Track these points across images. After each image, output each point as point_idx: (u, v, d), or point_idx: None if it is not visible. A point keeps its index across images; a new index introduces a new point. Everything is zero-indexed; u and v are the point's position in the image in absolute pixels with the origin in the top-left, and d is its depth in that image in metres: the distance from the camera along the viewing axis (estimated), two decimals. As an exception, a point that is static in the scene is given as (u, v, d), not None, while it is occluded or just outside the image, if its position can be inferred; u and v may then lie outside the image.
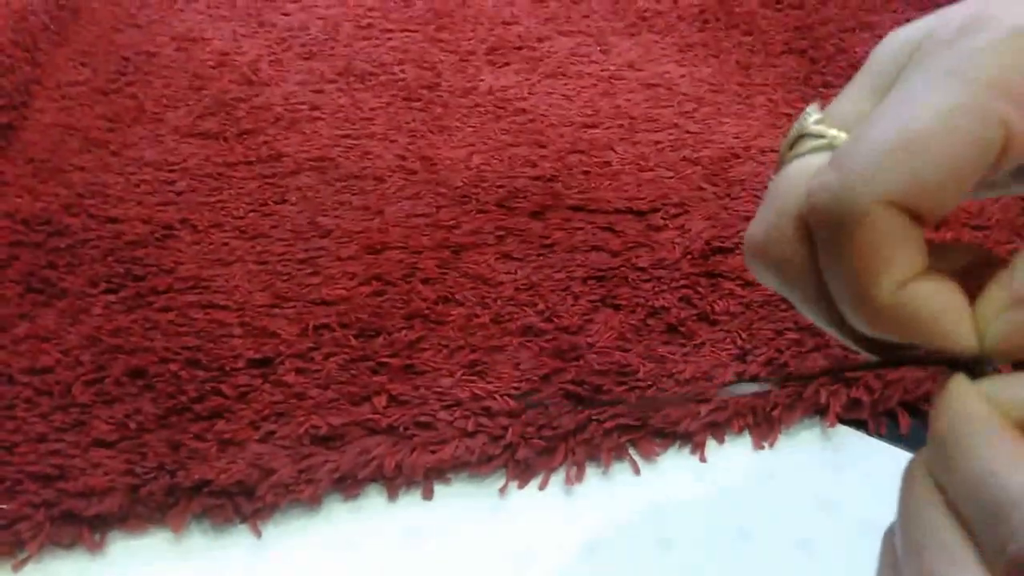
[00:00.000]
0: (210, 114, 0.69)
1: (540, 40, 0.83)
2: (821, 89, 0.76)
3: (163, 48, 0.79)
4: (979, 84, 0.15)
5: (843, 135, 0.18)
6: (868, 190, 0.15)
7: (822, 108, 0.19)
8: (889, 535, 0.19)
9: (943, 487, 0.16)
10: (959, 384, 0.16)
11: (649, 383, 0.47)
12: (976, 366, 0.17)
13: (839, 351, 0.48)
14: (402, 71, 0.77)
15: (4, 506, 0.40)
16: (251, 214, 0.59)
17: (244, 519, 0.41)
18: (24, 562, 0.40)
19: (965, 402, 0.16)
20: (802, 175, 0.18)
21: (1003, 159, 0.15)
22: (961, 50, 0.15)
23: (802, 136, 0.19)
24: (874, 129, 0.16)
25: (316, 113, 0.70)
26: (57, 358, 0.47)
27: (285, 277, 0.53)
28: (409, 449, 0.43)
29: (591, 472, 0.44)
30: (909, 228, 0.16)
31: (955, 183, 0.15)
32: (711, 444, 0.46)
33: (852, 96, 0.19)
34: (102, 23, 0.83)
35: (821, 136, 0.18)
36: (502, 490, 0.43)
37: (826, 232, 0.16)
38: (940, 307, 0.16)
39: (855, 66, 0.79)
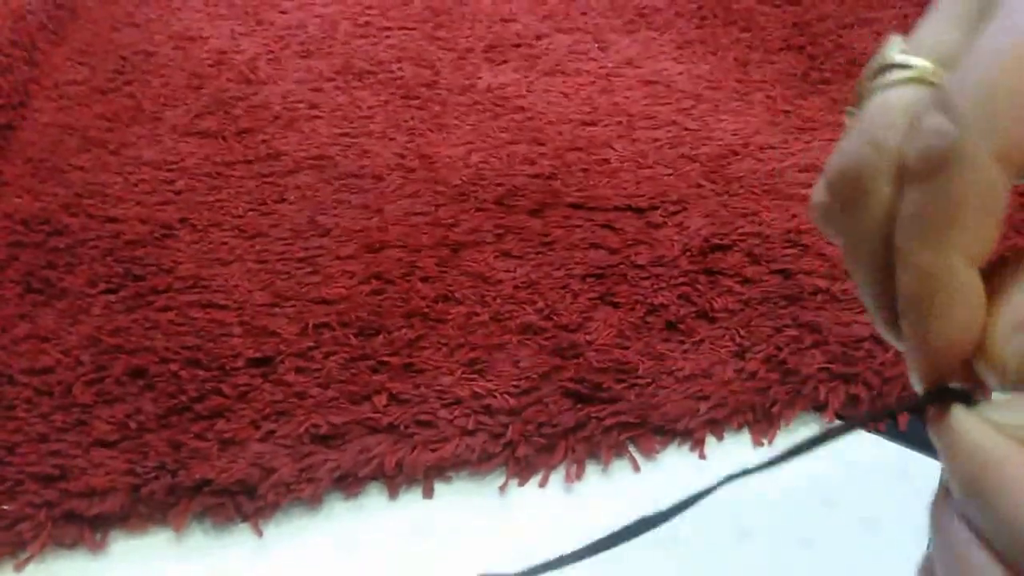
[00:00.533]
0: (208, 113, 0.69)
1: (538, 38, 0.83)
2: (819, 85, 0.76)
3: (161, 47, 0.79)
4: None
5: (931, 66, 0.17)
6: (982, 139, 0.14)
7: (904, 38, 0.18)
8: (927, 569, 0.19)
9: (977, 528, 0.15)
10: (966, 421, 0.16)
11: (648, 380, 0.47)
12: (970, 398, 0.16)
13: (837, 348, 0.48)
14: (400, 69, 0.77)
15: (6, 507, 0.40)
16: (250, 213, 0.59)
17: (245, 518, 0.42)
18: (26, 562, 0.40)
19: (981, 443, 0.15)
20: (898, 108, 0.16)
21: None
22: None
23: (885, 67, 0.17)
24: (982, 67, 0.15)
25: (314, 112, 0.70)
26: (57, 358, 0.47)
27: (284, 276, 0.53)
28: (410, 447, 0.43)
29: (591, 469, 0.44)
30: (1005, 195, 0.15)
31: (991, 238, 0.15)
32: (711, 441, 0.46)
33: (936, 25, 0.17)
34: (100, 22, 0.83)
35: (907, 66, 0.17)
36: (502, 488, 0.43)
37: (927, 173, 0.15)
38: (970, 299, 0.15)
39: (853, 62, 0.79)
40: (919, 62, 0.17)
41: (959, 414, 0.16)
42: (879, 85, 0.17)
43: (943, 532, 0.17)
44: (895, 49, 0.18)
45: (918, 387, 0.17)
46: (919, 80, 0.17)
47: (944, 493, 0.17)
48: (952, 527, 0.16)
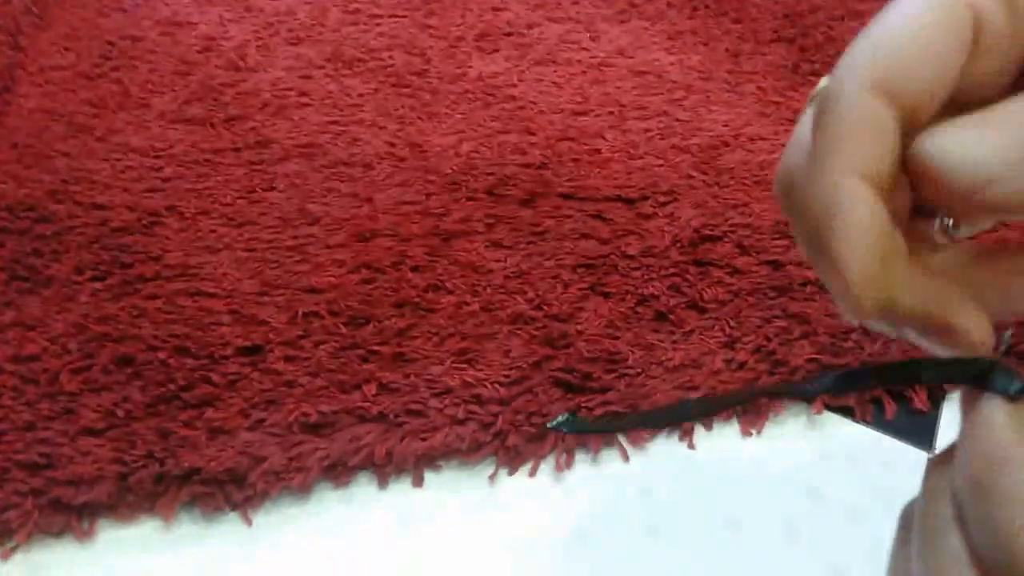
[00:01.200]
0: (196, 100, 0.69)
1: (529, 27, 0.83)
2: (810, 77, 0.76)
3: (148, 32, 0.78)
4: None
5: None
6: (852, 77, 0.16)
7: None
8: (907, 516, 0.19)
9: (964, 516, 0.15)
10: (994, 412, 0.16)
11: (638, 370, 0.47)
12: (988, 374, 0.16)
13: (826, 339, 0.49)
14: (391, 57, 0.76)
15: (-8, 495, 0.40)
16: (239, 201, 0.58)
17: (234, 507, 0.41)
18: (12, 551, 0.40)
19: (999, 440, 0.15)
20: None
21: (979, 49, 0.16)
22: None
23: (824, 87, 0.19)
24: (872, 31, 0.16)
25: (304, 99, 0.70)
26: (44, 346, 0.47)
27: (274, 265, 0.53)
28: (399, 437, 0.43)
29: (580, 459, 0.44)
30: (889, 120, 0.16)
31: (932, 69, 0.16)
32: (699, 431, 0.46)
33: None
34: (86, 7, 0.82)
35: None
36: (492, 477, 0.43)
37: (816, 123, 0.17)
38: (859, 209, 0.16)
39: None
40: None
41: (990, 403, 0.16)
42: (812, 97, 0.19)
43: (931, 506, 0.17)
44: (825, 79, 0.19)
45: (851, 320, 0.18)
46: None
47: (945, 474, 0.17)
48: (938, 507, 0.16)
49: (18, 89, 0.69)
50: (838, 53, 0.84)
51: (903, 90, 0.16)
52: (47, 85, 0.70)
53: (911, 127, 0.16)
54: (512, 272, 0.53)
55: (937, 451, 0.46)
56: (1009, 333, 0.17)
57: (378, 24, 0.82)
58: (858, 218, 0.16)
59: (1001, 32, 0.16)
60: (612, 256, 0.54)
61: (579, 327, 0.49)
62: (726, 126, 0.68)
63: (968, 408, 0.17)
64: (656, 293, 0.51)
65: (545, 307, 0.50)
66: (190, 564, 0.40)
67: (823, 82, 0.19)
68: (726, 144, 0.65)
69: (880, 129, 0.16)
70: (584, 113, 0.69)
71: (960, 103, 0.16)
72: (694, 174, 0.61)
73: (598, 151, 0.64)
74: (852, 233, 0.16)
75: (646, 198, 0.59)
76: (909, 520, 0.18)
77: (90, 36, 0.77)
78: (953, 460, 0.17)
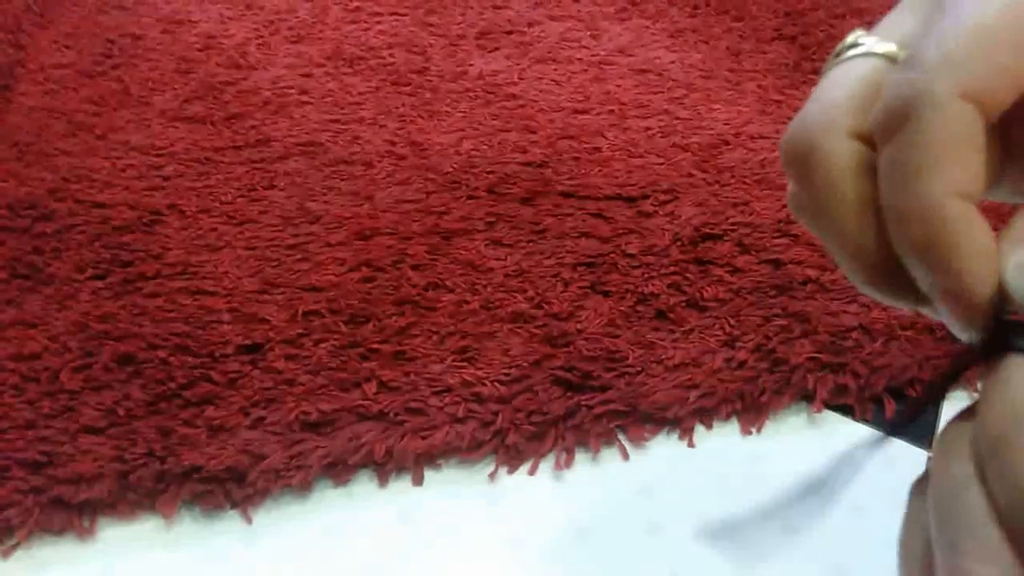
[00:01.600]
0: (197, 98, 0.69)
1: (530, 25, 0.82)
2: (811, 75, 0.76)
3: (149, 30, 0.78)
4: None
5: (891, 45, 0.17)
6: (948, 80, 0.15)
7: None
8: (918, 488, 0.18)
9: (985, 477, 0.15)
10: (1015, 372, 0.15)
11: (638, 369, 0.47)
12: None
13: (825, 338, 0.49)
14: (391, 55, 0.76)
15: (-8, 493, 0.40)
16: (239, 199, 0.58)
17: (235, 505, 0.42)
18: (13, 548, 0.40)
19: (1019, 398, 0.15)
20: (851, 75, 0.17)
21: None
22: None
23: (844, 48, 0.18)
24: (947, 23, 0.15)
25: (304, 97, 0.70)
26: (44, 344, 0.47)
27: (274, 263, 0.53)
28: (399, 435, 0.43)
29: (580, 457, 0.44)
30: (982, 133, 0.15)
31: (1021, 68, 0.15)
32: (699, 430, 0.46)
33: (894, 16, 0.18)
34: (86, 5, 0.82)
35: (860, 44, 0.18)
36: (492, 475, 0.43)
37: (897, 125, 0.15)
38: (975, 233, 0.15)
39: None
40: (876, 41, 0.17)
41: (1010, 363, 0.15)
42: (834, 63, 0.18)
43: (946, 467, 0.16)
44: (855, 34, 0.18)
45: (964, 337, 0.17)
46: (876, 55, 0.17)
47: (966, 433, 0.16)
48: (957, 469, 0.16)
49: (19, 87, 0.69)
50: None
51: (995, 93, 0.15)
52: (48, 83, 0.70)
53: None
54: (512, 270, 0.53)
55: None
56: None
57: (379, 22, 0.82)
58: (971, 235, 0.15)
59: None
60: (612, 255, 0.54)
61: (579, 326, 0.49)
62: (727, 124, 0.68)
63: (990, 367, 0.16)
64: (656, 292, 0.51)
65: (545, 306, 0.50)
66: (191, 562, 0.40)
67: (851, 37, 0.18)
68: (727, 142, 0.65)
69: (978, 143, 0.15)
70: (585, 111, 0.69)
71: None
72: (695, 172, 0.61)
73: (599, 149, 0.64)
74: (965, 249, 0.15)
75: (646, 196, 0.59)
76: (923, 486, 0.18)
77: (91, 34, 0.77)
78: (974, 418, 0.16)
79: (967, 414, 0.17)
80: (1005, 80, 0.14)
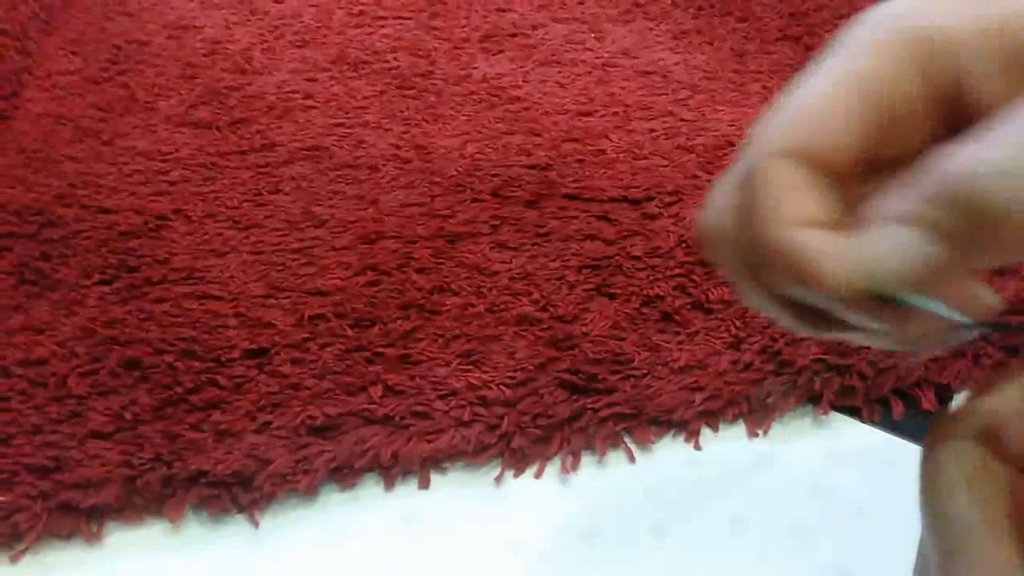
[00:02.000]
0: (202, 103, 0.69)
1: (534, 27, 0.83)
2: (815, 76, 0.76)
3: (154, 36, 0.78)
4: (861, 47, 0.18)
5: None
6: (765, 145, 0.18)
7: None
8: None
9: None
10: (948, 468, 0.17)
11: (644, 371, 0.47)
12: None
13: (831, 339, 0.48)
14: (396, 59, 0.76)
15: (1, 498, 0.40)
16: (245, 204, 0.58)
17: (241, 509, 0.42)
18: (22, 553, 0.40)
19: (958, 503, 0.16)
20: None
21: (893, 115, 0.17)
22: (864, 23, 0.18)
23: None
24: (783, 102, 0.18)
25: (309, 102, 0.70)
26: (52, 350, 0.47)
27: (280, 267, 0.53)
28: (405, 439, 0.43)
29: (586, 460, 0.44)
30: (806, 177, 0.17)
31: (835, 133, 0.17)
32: (705, 432, 0.46)
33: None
34: (93, 11, 0.82)
35: None
36: (498, 479, 0.43)
37: (743, 188, 0.18)
38: (820, 248, 0.17)
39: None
40: None
41: (945, 455, 0.17)
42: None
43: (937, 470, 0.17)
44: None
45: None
46: None
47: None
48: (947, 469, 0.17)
49: (25, 94, 0.70)
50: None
51: (807, 150, 0.17)
52: (54, 90, 0.70)
53: (839, 180, 0.18)
54: (517, 273, 0.53)
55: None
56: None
57: (383, 26, 0.82)
58: (828, 251, 0.17)
59: (914, 100, 0.17)
60: (617, 257, 0.54)
61: (584, 328, 0.49)
62: (731, 126, 0.67)
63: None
64: (662, 294, 0.51)
65: (550, 308, 0.50)
66: (197, 566, 0.40)
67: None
68: (731, 144, 0.65)
69: (793, 185, 0.17)
70: (589, 114, 0.69)
71: (895, 158, 0.18)
72: (699, 174, 0.61)
73: (603, 152, 0.64)
74: (828, 265, 0.17)
75: (651, 198, 0.59)
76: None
77: (96, 40, 0.77)
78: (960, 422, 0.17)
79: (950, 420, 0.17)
80: (824, 137, 0.17)
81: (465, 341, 0.48)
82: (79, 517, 0.41)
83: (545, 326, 0.49)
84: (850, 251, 0.16)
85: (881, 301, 0.16)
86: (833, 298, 0.17)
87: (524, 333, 0.49)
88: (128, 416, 0.43)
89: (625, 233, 0.56)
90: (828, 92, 0.17)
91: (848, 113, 0.17)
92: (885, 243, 0.16)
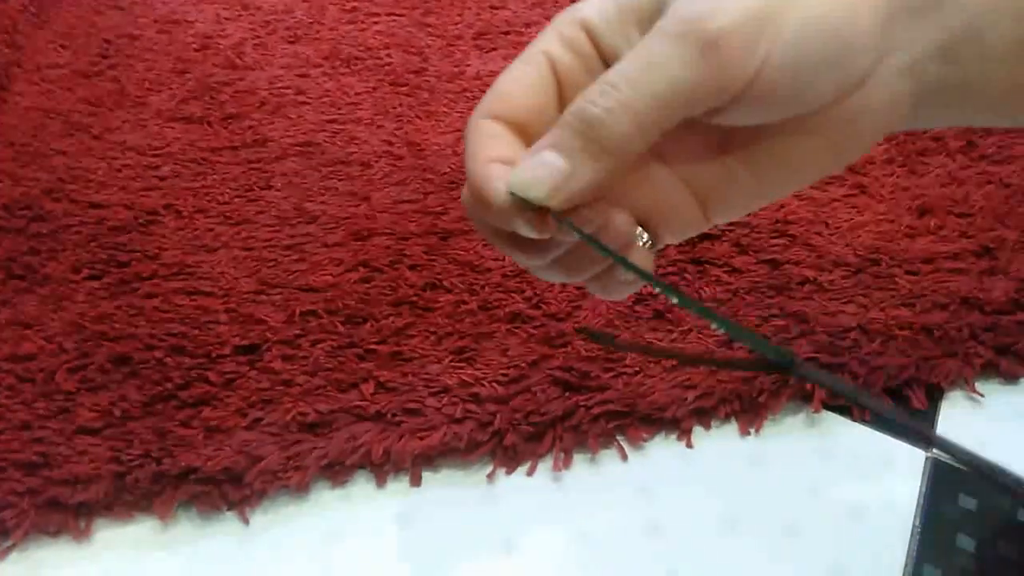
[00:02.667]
0: (194, 98, 0.69)
1: (527, 25, 0.82)
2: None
3: (145, 31, 0.78)
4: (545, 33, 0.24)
5: None
6: (476, 111, 0.23)
7: None
8: None
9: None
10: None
11: (636, 369, 0.47)
12: (788, 369, 0.19)
13: (823, 338, 0.49)
14: (388, 56, 0.76)
15: (-12, 494, 0.40)
16: (236, 199, 0.58)
17: (231, 506, 0.41)
18: (9, 550, 0.39)
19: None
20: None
21: (564, 88, 0.23)
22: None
23: None
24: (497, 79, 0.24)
25: (301, 98, 0.69)
26: (40, 345, 0.46)
27: (271, 263, 0.53)
28: (397, 436, 0.43)
29: (578, 458, 0.44)
30: (499, 130, 0.23)
31: (523, 100, 0.23)
32: (698, 430, 0.46)
33: None
34: (83, 5, 0.82)
35: None
36: (490, 476, 0.43)
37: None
38: (494, 174, 0.22)
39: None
40: None
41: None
42: None
43: None
44: None
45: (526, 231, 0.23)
46: None
47: None
48: None
49: (15, 87, 0.69)
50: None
51: (504, 113, 0.23)
52: (44, 83, 0.70)
53: (528, 136, 0.23)
54: (510, 271, 0.53)
55: (935, 450, 0.46)
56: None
57: (376, 22, 0.81)
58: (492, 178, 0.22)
59: (579, 79, 0.23)
60: (610, 255, 0.54)
61: (577, 326, 0.49)
62: (724, 125, 0.68)
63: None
64: (654, 292, 0.51)
65: (543, 306, 0.50)
66: (187, 563, 0.40)
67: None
68: (724, 143, 0.65)
69: (491, 134, 0.23)
70: (582, 112, 0.69)
71: None
72: (692, 173, 0.61)
73: (596, 150, 0.64)
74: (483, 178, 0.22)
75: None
76: None
77: (87, 34, 0.77)
78: None
79: None
80: (512, 106, 0.23)
81: (457, 338, 0.48)
82: (67, 514, 0.40)
83: (538, 323, 0.49)
84: (509, 173, 0.22)
85: (540, 214, 0.22)
86: (512, 219, 0.22)
87: (517, 330, 0.49)
88: (117, 412, 0.43)
89: (618, 231, 0.56)
90: (516, 68, 0.23)
91: (527, 81, 0.23)
92: (530, 162, 0.21)
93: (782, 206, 0.59)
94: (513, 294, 0.51)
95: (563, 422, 0.45)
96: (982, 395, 0.48)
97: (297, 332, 0.48)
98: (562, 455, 0.44)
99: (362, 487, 0.43)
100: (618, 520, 0.42)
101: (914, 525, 0.42)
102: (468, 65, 0.75)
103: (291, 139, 0.64)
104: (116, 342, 0.47)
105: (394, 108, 0.69)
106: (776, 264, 0.53)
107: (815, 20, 0.21)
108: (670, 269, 0.53)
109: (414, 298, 0.50)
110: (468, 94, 0.71)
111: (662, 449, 0.45)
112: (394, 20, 0.82)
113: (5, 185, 0.58)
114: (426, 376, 0.46)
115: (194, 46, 0.76)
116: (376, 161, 0.62)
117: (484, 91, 0.76)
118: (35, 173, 0.59)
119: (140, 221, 0.56)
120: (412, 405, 0.44)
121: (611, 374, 0.46)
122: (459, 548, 0.40)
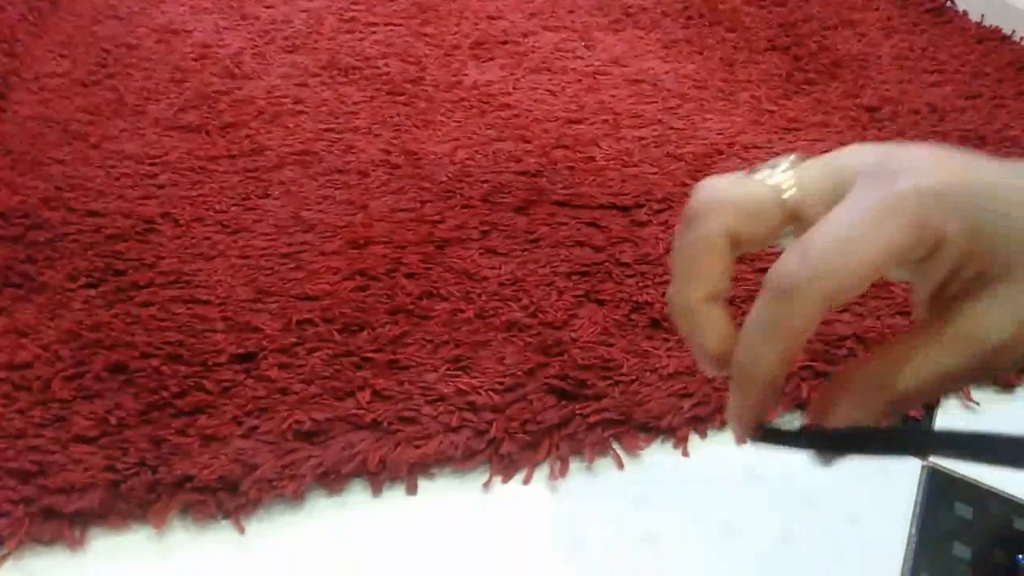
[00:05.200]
0: (192, 107, 0.69)
1: (525, 35, 0.83)
2: (804, 86, 0.77)
3: (144, 40, 0.78)
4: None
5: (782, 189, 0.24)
6: (713, 226, 0.25)
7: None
8: None
9: None
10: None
11: (633, 377, 0.47)
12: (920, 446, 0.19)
13: (819, 346, 0.49)
14: (386, 65, 0.76)
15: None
16: (233, 208, 0.58)
17: (227, 515, 0.41)
18: (3, 559, 0.39)
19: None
20: (751, 191, 0.25)
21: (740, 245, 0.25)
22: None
23: (767, 165, 0.25)
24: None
25: (299, 107, 0.70)
26: (36, 353, 0.46)
27: (268, 272, 0.53)
28: (393, 444, 0.43)
29: (575, 467, 0.44)
30: (721, 257, 0.24)
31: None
32: (694, 439, 0.46)
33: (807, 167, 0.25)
34: (82, 14, 0.82)
35: (768, 171, 0.25)
36: (486, 485, 0.43)
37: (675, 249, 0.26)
38: (709, 321, 0.24)
39: (838, 63, 0.80)
40: (778, 176, 0.25)
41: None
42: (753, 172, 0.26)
43: None
44: (780, 161, 0.25)
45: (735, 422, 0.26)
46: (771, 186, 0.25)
47: None
48: None
49: (13, 96, 0.69)
50: (832, 62, 0.85)
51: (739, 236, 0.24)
52: (42, 92, 0.70)
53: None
54: (506, 279, 0.53)
55: (931, 459, 0.46)
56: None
57: (374, 32, 0.82)
58: (711, 326, 0.25)
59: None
60: (606, 263, 0.54)
61: (573, 334, 0.49)
62: (720, 134, 0.68)
63: None
64: (650, 300, 0.51)
65: (539, 314, 0.50)
66: (182, 572, 0.39)
67: (780, 161, 0.25)
68: (720, 152, 0.66)
69: (716, 268, 0.25)
70: (579, 121, 0.69)
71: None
72: (688, 182, 0.62)
73: (593, 159, 0.64)
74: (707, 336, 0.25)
75: (640, 205, 0.59)
76: None
77: (86, 43, 0.77)
78: None
79: None
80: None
81: (454, 346, 0.48)
82: (62, 522, 0.40)
83: (534, 332, 0.49)
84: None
85: None
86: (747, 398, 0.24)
87: (513, 339, 0.49)
88: (113, 420, 0.43)
89: (614, 240, 0.56)
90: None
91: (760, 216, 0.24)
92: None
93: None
94: (509, 303, 0.51)
95: (559, 430, 0.45)
96: (978, 403, 0.48)
97: (293, 340, 0.48)
98: (558, 463, 0.44)
99: (358, 495, 0.43)
100: (614, 528, 0.42)
101: (910, 533, 0.42)
102: (465, 75, 0.75)
103: (289, 148, 0.65)
104: (112, 350, 0.47)
105: (391, 117, 0.69)
106: (772, 273, 0.53)
107: None
108: (667, 278, 0.53)
109: (410, 306, 0.50)
110: (465, 103, 0.71)
111: (658, 457, 0.45)
112: (392, 30, 0.83)
113: (3, 193, 0.58)
114: (422, 384, 0.46)
115: (192, 56, 0.76)
116: (373, 170, 0.62)
117: (482, 101, 0.76)
118: (33, 181, 0.59)
119: (137, 229, 0.56)
120: (408, 413, 0.44)
121: (607, 382, 0.46)
122: (455, 556, 0.40)
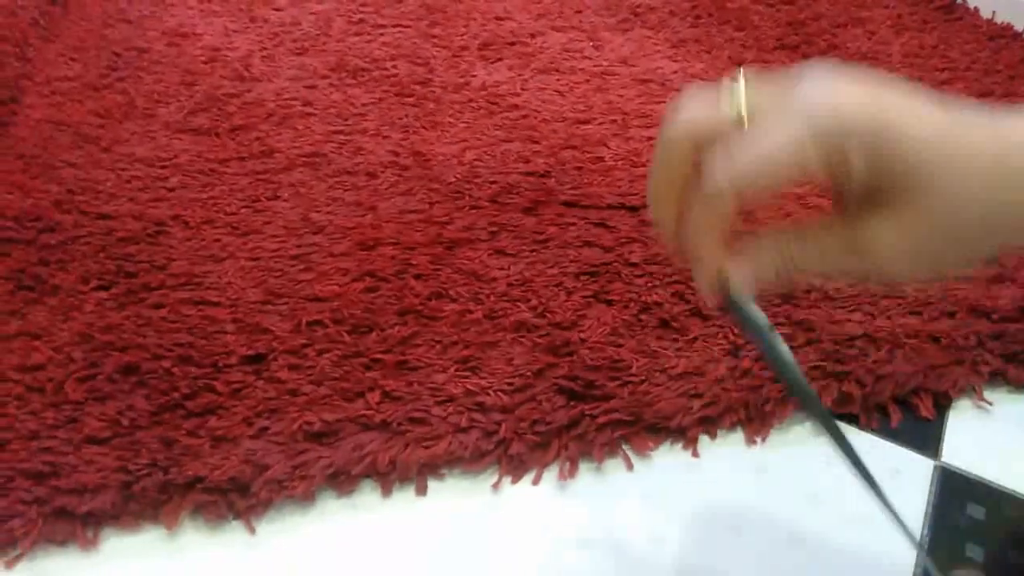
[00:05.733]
0: (202, 110, 0.69)
1: (533, 36, 0.83)
2: (813, 85, 0.76)
3: (154, 43, 0.79)
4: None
5: (742, 111, 0.27)
6: (729, 185, 0.26)
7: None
8: None
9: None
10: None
11: (642, 378, 0.47)
12: None
13: (829, 346, 0.48)
14: (394, 67, 0.76)
15: (-4, 503, 0.40)
16: (243, 210, 0.59)
17: (238, 515, 0.41)
18: (17, 559, 0.40)
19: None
20: (713, 110, 0.28)
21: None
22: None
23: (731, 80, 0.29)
24: (741, 149, 0.27)
25: (308, 109, 0.70)
26: (49, 355, 0.47)
27: (278, 273, 0.53)
28: (403, 445, 0.43)
29: (584, 468, 0.44)
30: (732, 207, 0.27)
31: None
32: (703, 439, 0.46)
33: (772, 91, 0.28)
34: (92, 18, 0.82)
35: (732, 87, 0.28)
36: (495, 485, 0.43)
37: (706, 189, 0.28)
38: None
39: (847, 61, 0.80)
40: (738, 99, 0.28)
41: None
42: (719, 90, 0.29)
43: None
44: (739, 77, 0.29)
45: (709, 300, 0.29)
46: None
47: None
48: None
49: (25, 100, 0.70)
50: (841, 60, 0.85)
51: (750, 194, 0.26)
52: (53, 96, 0.70)
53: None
54: (515, 280, 0.53)
55: (943, 459, 0.46)
56: None
57: (382, 34, 0.82)
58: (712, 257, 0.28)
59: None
60: (615, 264, 0.54)
61: (582, 335, 0.49)
62: (729, 134, 0.68)
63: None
64: (660, 300, 0.51)
65: (548, 315, 0.50)
66: (194, 572, 0.40)
67: (738, 78, 0.29)
68: (729, 152, 0.65)
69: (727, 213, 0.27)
70: (587, 121, 0.69)
71: None
72: (697, 182, 0.62)
73: (601, 159, 0.64)
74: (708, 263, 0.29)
75: (649, 206, 0.59)
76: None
77: (96, 47, 0.78)
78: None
79: None
80: (758, 191, 0.25)
81: (463, 347, 0.48)
82: (75, 523, 0.40)
83: (543, 332, 0.49)
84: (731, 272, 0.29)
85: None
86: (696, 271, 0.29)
87: (522, 339, 0.49)
88: (125, 422, 0.43)
89: (623, 240, 0.56)
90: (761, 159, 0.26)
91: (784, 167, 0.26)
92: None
93: (788, 214, 0.59)
94: (518, 303, 0.51)
95: (568, 431, 0.45)
96: (990, 403, 0.48)
97: (303, 342, 0.48)
98: (568, 464, 0.44)
99: (368, 496, 0.43)
100: (624, 529, 0.42)
101: (922, 534, 0.41)
102: (474, 75, 0.75)
103: (298, 150, 0.65)
104: (124, 352, 0.47)
105: (400, 119, 0.69)
106: (782, 272, 0.53)
107: None
108: (675, 278, 0.53)
109: (420, 307, 0.51)
110: (474, 104, 0.71)
111: (668, 458, 0.45)
112: (400, 31, 0.83)
113: (15, 197, 0.58)
114: (432, 385, 0.46)
115: (202, 59, 0.76)
116: (382, 171, 0.63)
117: (490, 101, 0.77)
118: (45, 185, 0.60)
119: (148, 232, 0.56)
120: (418, 414, 0.44)
121: (616, 383, 0.46)
122: (465, 557, 0.40)
